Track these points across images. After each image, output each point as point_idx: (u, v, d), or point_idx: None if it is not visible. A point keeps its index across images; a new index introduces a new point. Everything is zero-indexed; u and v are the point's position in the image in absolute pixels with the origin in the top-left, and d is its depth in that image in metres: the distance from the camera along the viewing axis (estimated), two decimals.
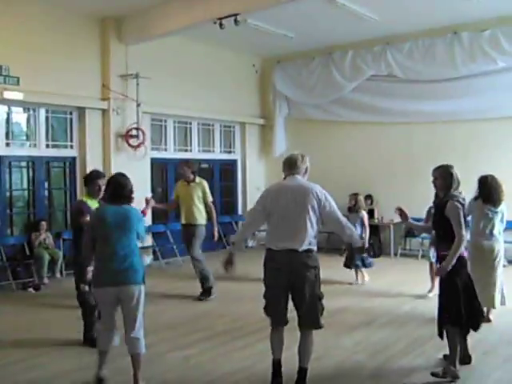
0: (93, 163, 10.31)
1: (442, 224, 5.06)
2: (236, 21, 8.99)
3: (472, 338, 5.90)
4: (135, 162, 10.75)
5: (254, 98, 14.07)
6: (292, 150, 13.25)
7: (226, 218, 13.28)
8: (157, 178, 11.88)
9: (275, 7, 9.01)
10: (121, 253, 4.60)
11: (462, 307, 4.89)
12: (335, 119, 12.96)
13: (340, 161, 12.90)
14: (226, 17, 8.96)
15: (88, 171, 9.99)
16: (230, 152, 13.88)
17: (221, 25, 9.14)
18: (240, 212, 13.96)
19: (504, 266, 10.39)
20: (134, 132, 10.63)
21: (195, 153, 12.83)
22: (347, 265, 9.06)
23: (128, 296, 4.61)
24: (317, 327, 4.63)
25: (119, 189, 4.71)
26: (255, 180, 14.02)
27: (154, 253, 11.15)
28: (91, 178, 5.91)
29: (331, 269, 8.76)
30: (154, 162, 11.50)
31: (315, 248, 4.64)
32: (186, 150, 12.68)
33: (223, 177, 13.76)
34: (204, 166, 13.14)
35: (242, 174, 14.04)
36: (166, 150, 12.17)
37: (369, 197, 12.06)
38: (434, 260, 7.79)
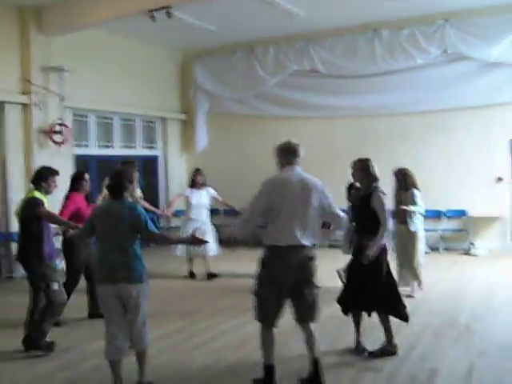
0: (14, 161, 9.81)
1: (368, 215, 5.24)
2: (168, 13, 8.84)
3: (418, 323, 6.24)
4: (59, 159, 10.25)
5: (175, 93, 13.90)
6: (214, 146, 13.54)
7: (148, 215, 12.99)
8: None
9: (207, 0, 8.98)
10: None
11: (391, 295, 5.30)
12: (258, 114, 13.07)
13: (263, 155, 12.92)
14: (158, 9, 8.78)
15: (9, 169, 9.64)
16: (151, 148, 13.61)
17: (152, 17, 8.96)
18: (162, 208, 13.70)
19: (426, 252, 11.11)
20: (57, 128, 10.15)
21: (117, 149, 12.50)
22: None
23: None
24: (315, 319, 4.62)
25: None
26: (177, 176, 13.86)
27: None
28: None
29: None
30: (77, 158, 11.04)
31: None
32: (108, 147, 12.30)
33: (145, 173, 13.43)
34: None
35: (164, 170, 13.82)
36: (87, 146, 11.74)
37: None
38: None
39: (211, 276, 9.17)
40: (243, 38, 12.54)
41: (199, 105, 13.65)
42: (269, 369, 4.55)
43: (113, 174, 4.73)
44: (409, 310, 6.79)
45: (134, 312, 4.46)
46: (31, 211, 5.57)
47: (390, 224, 5.18)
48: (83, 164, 11.50)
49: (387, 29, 11.31)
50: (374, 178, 5.35)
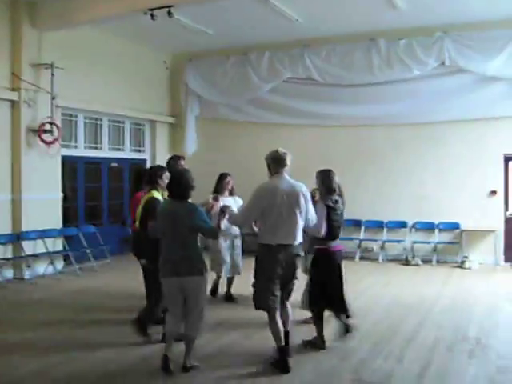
0: (0, 160, 9.40)
1: None
2: (169, 13, 8.59)
3: (429, 337, 6.11)
4: (47, 160, 9.95)
5: (165, 96, 13.64)
6: (203, 151, 13.27)
7: None
8: (67, 176, 10.97)
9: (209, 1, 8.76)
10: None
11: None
12: (250, 120, 12.86)
13: (253, 161, 12.72)
14: (160, 8, 8.51)
15: None
16: (139, 151, 13.27)
17: (152, 16, 8.69)
18: None
19: (418, 265, 11.03)
20: (47, 127, 9.77)
21: (106, 151, 12.12)
22: None
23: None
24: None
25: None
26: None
27: (67, 258, 10.35)
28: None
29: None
30: (64, 159, 10.64)
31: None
32: (97, 148, 11.93)
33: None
34: (114, 165, 12.40)
35: None
36: (76, 147, 11.35)
37: None
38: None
39: (231, 298, 8.02)
40: (237, 42, 12.34)
41: (190, 109, 13.37)
42: (281, 350, 5.07)
43: (175, 177, 5.03)
44: (415, 322, 6.76)
45: (194, 302, 4.96)
46: (146, 213, 5.58)
47: (323, 230, 5.50)
48: (71, 165, 11.15)
49: (384, 39, 11.21)
50: (326, 189, 5.74)
